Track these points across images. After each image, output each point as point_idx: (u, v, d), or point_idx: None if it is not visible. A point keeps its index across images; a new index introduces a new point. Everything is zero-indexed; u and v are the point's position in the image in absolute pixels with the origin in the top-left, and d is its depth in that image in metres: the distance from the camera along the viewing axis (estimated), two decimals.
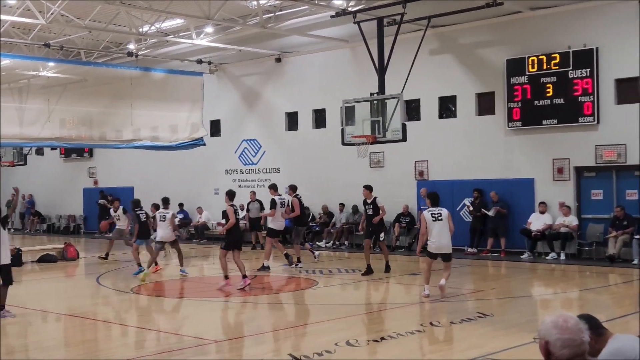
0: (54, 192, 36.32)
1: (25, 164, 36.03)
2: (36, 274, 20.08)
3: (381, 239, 18.21)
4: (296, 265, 19.58)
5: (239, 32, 25.87)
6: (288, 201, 20.03)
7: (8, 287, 13.02)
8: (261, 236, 25.57)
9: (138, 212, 19.46)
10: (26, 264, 21.80)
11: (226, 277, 16.05)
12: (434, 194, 15.07)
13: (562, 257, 20.21)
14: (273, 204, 19.57)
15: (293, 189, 20.22)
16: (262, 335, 11.58)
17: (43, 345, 11.54)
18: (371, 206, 17.88)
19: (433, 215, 14.41)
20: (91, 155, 35.09)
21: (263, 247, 25.01)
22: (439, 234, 14.39)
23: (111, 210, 22.52)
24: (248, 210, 25.85)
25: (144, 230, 19.37)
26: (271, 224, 19.78)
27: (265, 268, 19.20)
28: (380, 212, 17.81)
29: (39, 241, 28.95)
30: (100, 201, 32.34)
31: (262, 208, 25.45)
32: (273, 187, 20.04)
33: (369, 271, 17.88)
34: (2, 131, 21.38)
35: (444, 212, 14.49)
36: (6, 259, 12.75)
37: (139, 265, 18.61)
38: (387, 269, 18.27)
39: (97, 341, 11.76)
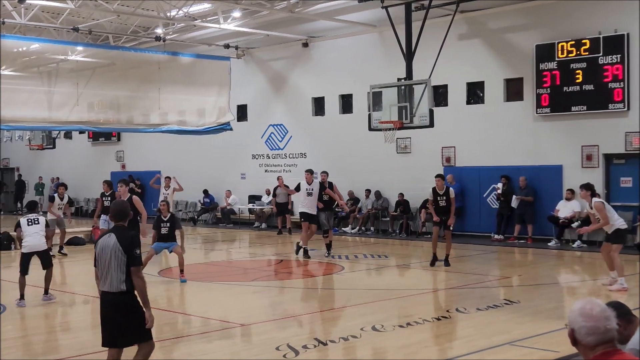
0: (82, 176, 36.59)
1: (54, 147, 36.33)
2: (64, 257, 20.27)
3: (451, 228, 16.98)
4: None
5: (267, 17, 25.83)
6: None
7: (48, 270, 12.95)
8: (289, 220, 25.66)
9: None
10: (54, 247, 22.01)
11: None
12: (591, 184, 14.25)
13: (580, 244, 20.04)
14: (324, 187, 19.02)
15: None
16: (288, 320, 11.62)
17: (71, 327, 11.70)
18: (444, 197, 16.78)
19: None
20: (119, 139, 35.31)
21: (290, 232, 25.12)
22: None
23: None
24: (275, 195, 25.94)
25: None
26: (310, 209, 18.88)
27: (306, 252, 18.71)
28: (453, 205, 16.81)
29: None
30: (130, 185, 32.52)
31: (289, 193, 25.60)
32: (311, 172, 19.26)
33: (434, 260, 16.91)
34: (32, 115, 21.56)
35: None
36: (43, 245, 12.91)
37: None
38: (446, 262, 16.86)
39: None
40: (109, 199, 18.74)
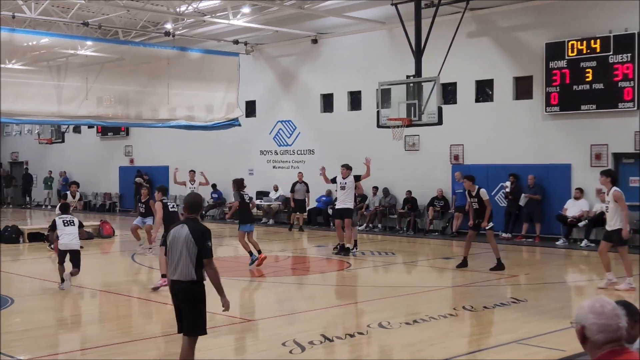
0: (91, 170, 36.67)
1: (63, 141, 36.49)
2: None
3: (488, 227, 16.01)
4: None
5: (276, 13, 25.81)
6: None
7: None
8: (301, 218, 25.58)
9: (242, 194, 16.84)
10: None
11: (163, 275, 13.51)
12: (613, 171, 13.57)
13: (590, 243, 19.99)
14: (358, 178, 18.66)
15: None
16: (294, 316, 11.64)
17: (79, 320, 11.73)
18: (476, 199, 15.95)
19: None
20: (127, 134, 35.34)
21: (302, 229, 25.09)
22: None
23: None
24: (293, 191, 25.90)
25: (246, 214, 16.64)
26: (341, 203, 18.52)
27: (347, 250, 18.39)
28: (487, 207, 15.83)
29: None
30: (137, 179, 32.65)
31: (307, 190, 25.61)
32: (348, 167, 18.75)
33: (463, 263, 16.14)
34: (41, 108, 21.62)
35: None
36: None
37: (251, 254, 16.58)
38: (500, 266, 15.83)
39: (131, 317, 11.91)
40: (144, 205, 19.55)
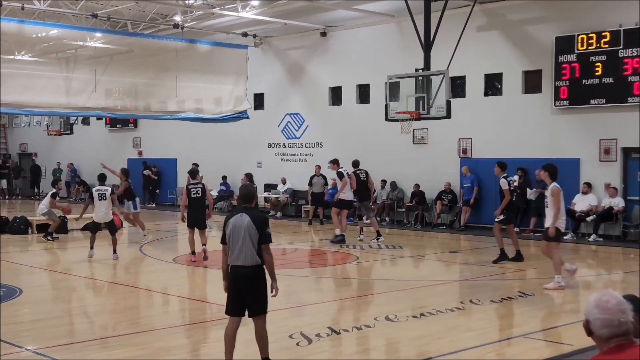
0: (99, 162, 36.65)
1: (71, 133, 36.56)
2: (81, 242, 20.40)
3: (497, 220, 15.94)
4: (377, 239, 19.63)
5: (285, 5, 25.78)
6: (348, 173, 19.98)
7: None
8: (321, 211, 25.57)
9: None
10: (71, 232, 22.18)
11: (193, 252, 16.22)
12: (553, 166, 13.35)
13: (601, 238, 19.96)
14: (341, 175, 19.68)
15: (355, 164, 20.37)
16: (302, 308, 11.66)
17: (87, 311, 11.77)
18: (499, 188, 15.92)
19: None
20: (136, 126, 35.38)
21: (322, 223, 25.07)
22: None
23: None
24: (311, 185, 25.90)
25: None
26: (342, 195, 19.79)
27: (339, 237, 19.24)
28: (504, 196, 15.67)
29: None
30: (145, 172, 32.72)
31: (325, 183, 25.63)
32: (335, 162, 20.30)
33: (518, 257, 16.11)
34: (50, 100, 21.68)
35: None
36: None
37: None
38: (503, 256, 16.02)
39: (139, 309, 11.94)
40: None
